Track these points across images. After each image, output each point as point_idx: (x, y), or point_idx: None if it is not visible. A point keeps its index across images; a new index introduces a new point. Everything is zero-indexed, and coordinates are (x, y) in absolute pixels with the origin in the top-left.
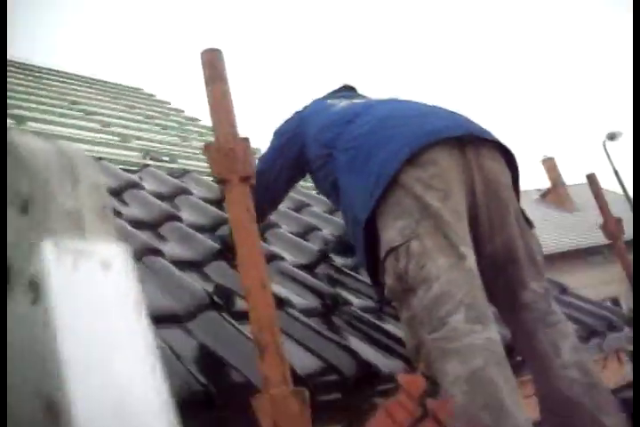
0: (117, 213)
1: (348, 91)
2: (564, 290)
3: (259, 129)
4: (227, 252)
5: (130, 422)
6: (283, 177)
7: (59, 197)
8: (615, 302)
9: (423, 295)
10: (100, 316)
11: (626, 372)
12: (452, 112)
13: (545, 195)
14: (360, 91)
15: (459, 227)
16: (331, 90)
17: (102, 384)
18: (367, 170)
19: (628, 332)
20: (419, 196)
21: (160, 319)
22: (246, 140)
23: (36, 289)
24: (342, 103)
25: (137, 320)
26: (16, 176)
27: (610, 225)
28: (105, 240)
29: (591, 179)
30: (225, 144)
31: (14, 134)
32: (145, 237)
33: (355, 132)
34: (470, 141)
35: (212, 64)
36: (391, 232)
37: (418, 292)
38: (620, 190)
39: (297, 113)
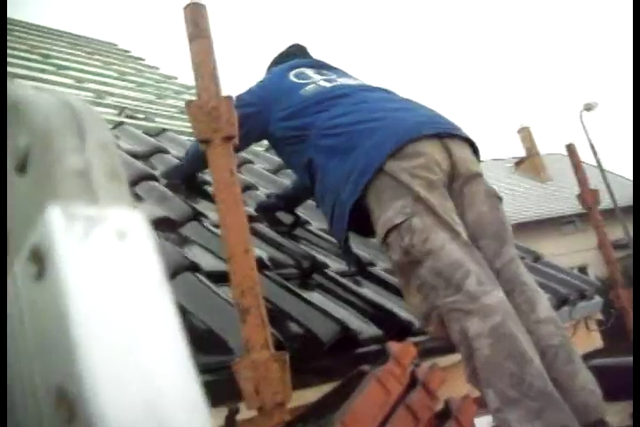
0: None
1: (299, 53)
2: (537, 258)
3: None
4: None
5: (160, 419)
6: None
7: (63, 154)
8: (583, 270)
9: (432, 264)
10: (118, 293)
11: (593, 340)
12: (422, 106)
13: (519, 164)
14: (310, 51)
15: (447, 208)
16: (281, 51)
17: (126, 375)
18: (353, 157)
19: (597, 301)
20: (406, 183)
21: None
22: (230, 98)
23: (40, 261)
24: (310, 86)
25: (161, 299)
26: (13, 130)
27: (586, 195)
28: (119, 206)
29: (570, 149)
30: (208, 102)
31: (11, 86)
32: None
33: (336, 119)
34: (446, 136)
35: (195, 20)
36: (390, 212)
37: (425, 262)
38: (594, 162)
39: (258, 87)
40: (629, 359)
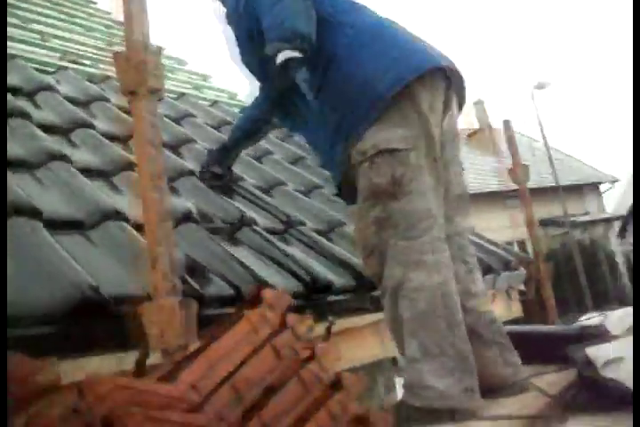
0: (27, 116)
1: None
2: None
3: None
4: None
5: None
6: None
7: None
8: (523, 243)
9: (407, 204)
10: None
11: (514, 309)
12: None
13: (471, 136)
14: None
15: (440, 155)
16: None
17: None
18: (381, 66)
19: (521, 272)
20: (422, 113)
21: (60, 225)
22: (158, 51)
23: None
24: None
25: None
26: None
27: (517, 170)
28: None
29: (506, 125)
30: (135, 55)
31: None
32: (53, 142)
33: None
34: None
35: None
36: (391, 134)
37: (402, 200)
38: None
39: None
40: (539, 327)
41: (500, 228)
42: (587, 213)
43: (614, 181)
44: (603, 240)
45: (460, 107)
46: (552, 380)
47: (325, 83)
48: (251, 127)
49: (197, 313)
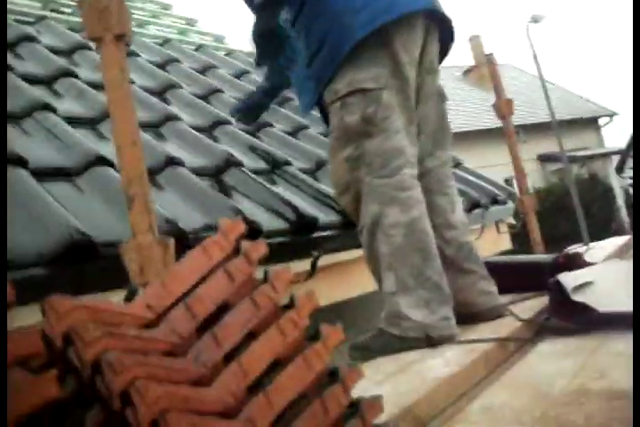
0: (10, 68)
1: None
2: (457, 164)
3: None
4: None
5: None
6: None
7: None
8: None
9: (380, 143)
10: None
11: (503, 242)
12: None
13: (467, 72)
14: None
15: (414, 94)
16: None
17: None
18: (355, 3)
19: (509, 206)
20: (396, 53)
21: (47, 173)
22: None
23: None
24: None
25: None
26: None
27: (501, 105)
28: None
29: (489, 59)
30: (100, 1)
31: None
32: (38, 92)
33: None
34: (433, 17)
35: None
36: (362, 74)
37: (375, 138)
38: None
39: None
40: (517, 257)
41: (497, 165)
42: (585, 148)
43: (613, 114)
44: (601, 174)
45: (446, 46)
46: (526, 306)
47: (300, 18)
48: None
49: (176, 249)
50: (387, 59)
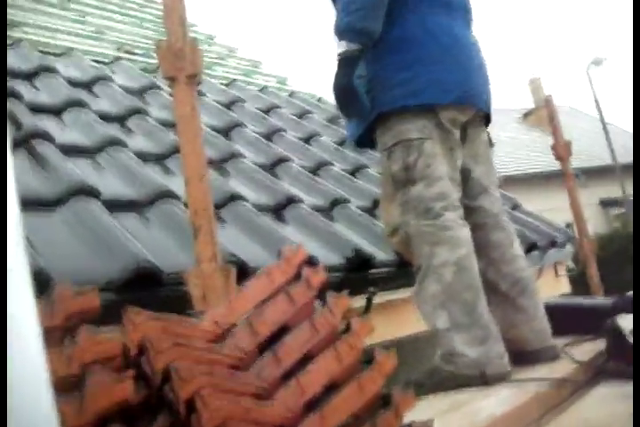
0: (85, 105)
1: None
2: (515, 206)
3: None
4: None
5: None
6: None
7: None
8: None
9: (423, 189)
10: None
11: (561, 284)
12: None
13: (527, 115)
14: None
15: (458, 147)
16: None
17: None
18: (422, 70)
19: (568, 249)
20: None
21: (118, 206)
22: (195, 40)
23: None
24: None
25: None
26: None
27: (559, 147)
28: None
29: (547, 100)
30: (175, 44)
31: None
32: (111, 129)
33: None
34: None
35: None
36: (408, 126)
37: (418, 184)
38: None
39: None
40: (574, 299)
41: (559, 208)
42: None
43: None
44: None
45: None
46: (583, 349)
47: (376, 55)
48: None
49: (237, 278)
50: (431, 118)
